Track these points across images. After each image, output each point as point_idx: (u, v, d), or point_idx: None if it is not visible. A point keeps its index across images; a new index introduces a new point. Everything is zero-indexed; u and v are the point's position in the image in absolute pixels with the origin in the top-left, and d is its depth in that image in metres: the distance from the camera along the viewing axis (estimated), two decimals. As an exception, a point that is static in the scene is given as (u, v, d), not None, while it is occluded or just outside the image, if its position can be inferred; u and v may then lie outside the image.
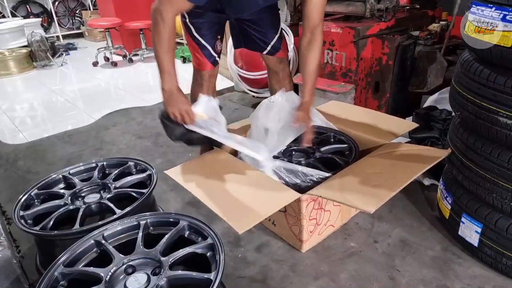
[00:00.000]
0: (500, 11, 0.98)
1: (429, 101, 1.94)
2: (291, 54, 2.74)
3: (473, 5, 1.10)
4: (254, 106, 2.99)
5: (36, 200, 1.50)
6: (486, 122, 1.12)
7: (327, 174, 1.39)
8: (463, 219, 1.32)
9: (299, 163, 1.51)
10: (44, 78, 4.37)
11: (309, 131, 1.50)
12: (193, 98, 1.91)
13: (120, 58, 4.90)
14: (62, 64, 4.87)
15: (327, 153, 1.58)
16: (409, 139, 1.94)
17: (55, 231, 1.29)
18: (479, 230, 1.26)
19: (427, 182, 1.75)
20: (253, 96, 3.15)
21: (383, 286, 1.26)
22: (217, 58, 1.72)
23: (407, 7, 2.45)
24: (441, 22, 2.44)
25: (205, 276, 1.05)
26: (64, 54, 5.10)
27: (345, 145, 1.62)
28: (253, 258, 1.42)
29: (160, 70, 1.47)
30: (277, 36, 1.73)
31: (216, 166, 1.52)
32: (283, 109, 1.60)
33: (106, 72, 4.52)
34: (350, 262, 1.37)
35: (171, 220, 1.26)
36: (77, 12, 6.87)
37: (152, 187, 1.48)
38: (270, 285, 1.30)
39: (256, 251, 1.46)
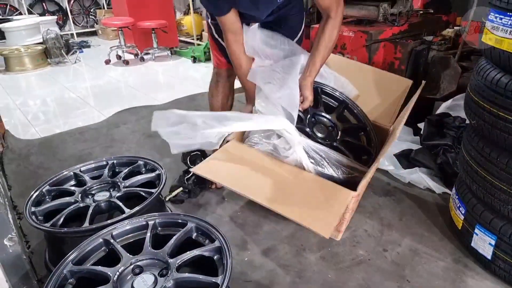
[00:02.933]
0: (520, 19, 0.96)
1: (443, 107, 1.91)
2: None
3: (491, 13, 1.07)
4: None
5: (47, 197, 1.51)
6: (503, 132, 1.09)
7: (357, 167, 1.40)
8: (476, 231, 1.29)
9: (323, 142, 1.49)
10: (57, 74, 4.42)
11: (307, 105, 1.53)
12: (209, 97, 1.95)
13: (132, 56, 4.94)
14: (75, 62, 4.93)
15: (344, 137, 1.57)
16: (420, 146, 1.91)
17: (65, 228, 1.30)
18: (493, 242, 1.23)
19: (438, 190, 1.73)
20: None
21: (392, 296, 1.25)
22: None
23: (421, 12, 2.41)
24: (455, 28, 2.40)
25: (213, 280, 1.05)
26: (77, 52, 5.16)
27: (361, 124, 1.65)
28: (260, 262, 1.41)
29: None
30: (297, 37, 1.74)
31: (246, 160, 1.44)
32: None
33: (118, 70, 4.56)
34: (358, 270, 1.36)
35: (180, 221, 1.26)
36: (91, 10, 6.96)
37: (161, 187, 1.48)
38: (277, 289, 1.29)
39: (263, 255, 1.45)
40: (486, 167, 1.20)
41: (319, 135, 1.55)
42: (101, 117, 2.98)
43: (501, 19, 1.02)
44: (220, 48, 1.75)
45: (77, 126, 2.78)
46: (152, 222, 1.27)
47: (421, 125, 2.07)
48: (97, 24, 6.81)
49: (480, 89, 1.18)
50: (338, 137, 1.56)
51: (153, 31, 4.75)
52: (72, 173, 1.62)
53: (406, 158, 1.84)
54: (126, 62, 4.70)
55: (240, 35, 1.58)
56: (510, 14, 0.99)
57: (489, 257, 1.27)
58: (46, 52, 4.79)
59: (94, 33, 6.89)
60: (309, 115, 1.57)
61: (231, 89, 1.93)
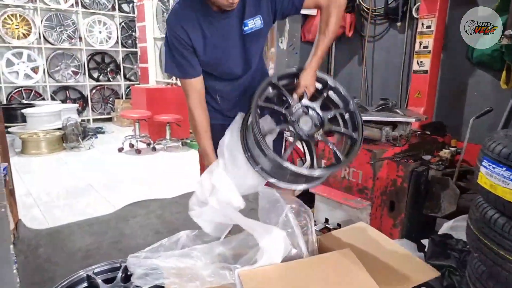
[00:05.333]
0: (511, 172, 1.12)
1: (445, 227, 2.01)
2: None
3: (485, 160, 1.25)
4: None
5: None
6: (503, 270, 1.18)
7: None
8: None
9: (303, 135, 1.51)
10: (71, 160, 4.62)
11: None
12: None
13: (144, 145, 5.21)
14: (89, 148, 5.18)
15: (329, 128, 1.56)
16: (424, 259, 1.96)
17: None
18: None
19: (447, 314, 1.72)
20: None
21: None
22: None
23: (418, 132, 2.67)
24: (451, 149, 2.63)
25: None
26: (93, 138, 5.45)
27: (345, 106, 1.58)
28: None
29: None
30: None
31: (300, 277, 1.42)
32: None
33: (130, 158, 4.77)
34: None
35: None
36: (110, 99, 7.51)
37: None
38: None
39: None
40: (494, 300, 1.25)
41: (303, 127, 1.50)
42: (109, 208, 3.05)
43: (493, 168, 1.19)
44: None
45: (86, 218, 2.83)
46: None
47: (424, 241, 2.14)
48: (113, 111, 7.30)
49: (479, 225, 1.29)
50: (321, 132, 1.52)
51: (168, 124, 5.10)
52: (85, 275, 1.65)
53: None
54: (139, 151, 4.94)
55: (203, 96, 1.60)
56: (502, 165, 1.15)
57: None
58: (63, 137, 5.07)
59: (109, 119, 7.34)
60: (299, 105, 1.52)
61: None
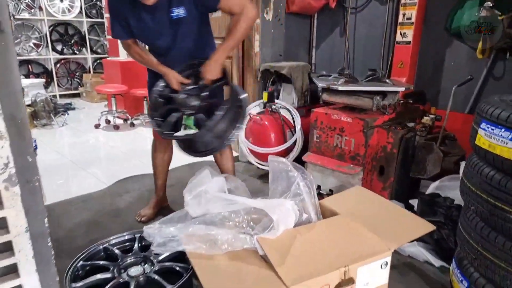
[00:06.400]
0: (509, 132, 1.26)
1: (431, 188, 2.20)
2: (297, 133, 3.02)
3: (483, 123, 1.38)
4: (261, 177, 3.18)
5: (81, 271, 1.54)
6: (499, 219, 1.35)
7: None
8: (480, 302, 1.48)
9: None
10: (46, 138, 4.42)
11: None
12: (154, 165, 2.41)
13: (121, 121, 5.07)
14: (63, 125, 4.97)
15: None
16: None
17: None
18: (497, 313, 1.41)
19: (437, 263, 1.93)
20: (257, 167, 3.35)
21: None
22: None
23: (401, 101, 2.83)
24: (431, 116, 2.82)
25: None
26: (65, 115, 5.22)
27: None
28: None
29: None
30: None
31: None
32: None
33: (109, 135, 4.65)
34: None
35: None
36: (77, 74, 7.14)
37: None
38: None
39: None
40: (486, 246, 1.43)
41: (192, 102, 1.93)
42: (100, 184, 3.01)
43: (492, 130, 1.33)
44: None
45: (77, 195, 2.78)
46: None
47: (412, 201, 2.34)
48: (81, 86, 6.96)
49: (476, 181, 1.45)
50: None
51: (145, 99, 4.97)
52: (101, 247, 1.67)
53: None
54: (117, 127, 4.81)
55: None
56: (501, 127, 1.29)
57: (494, 327, 1.44)
58: (33, 114, 4.81)
59: (77, 95, 7.00)
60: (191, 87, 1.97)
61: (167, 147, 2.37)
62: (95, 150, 4.02)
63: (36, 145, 2.15)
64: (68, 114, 5.53)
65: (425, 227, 1.68)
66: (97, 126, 4.85)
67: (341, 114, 2.48)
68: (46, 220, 1.26)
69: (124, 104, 5.18)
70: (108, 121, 4.99)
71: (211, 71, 1.88)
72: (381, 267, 1.59)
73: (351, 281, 1.51)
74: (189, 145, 2.02)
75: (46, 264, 1.16)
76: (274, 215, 1.54)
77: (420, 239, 2.02)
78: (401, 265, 1.95)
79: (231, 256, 1.50)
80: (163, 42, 1.96)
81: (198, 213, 1.67)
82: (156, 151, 2.39)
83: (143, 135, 4.70)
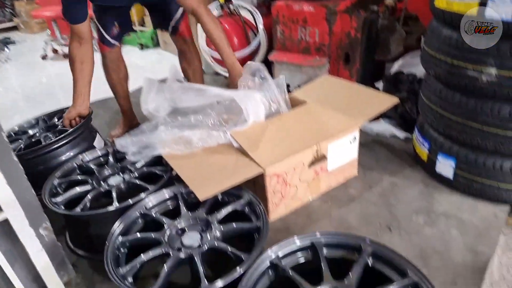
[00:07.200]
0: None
1: (395, 67, 2.25)
2: (261, 34, 2.90)
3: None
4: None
5: (58, 189, 1.54)
6: (457, 77, 1.41)
7: None
8: (439, 158, 1.63)
9: None
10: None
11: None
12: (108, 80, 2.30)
13: (71, 49, 4.67)
14: (6, 61, 4.54)
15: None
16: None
17: (114, 207, 1.35)
18: (453, 164, 1.57)
19: (401, 135, 2.06)
20: (225, 77, 3.28)
21: (385, 219, 1.54)
22: (113, 41, 2.11)
23: (363, -15, 2.72)
24: (393, -3, 2.75)
25: (255, 224, 1.23)
26: (6, 50, 4.74)
27: None
28: (272, 216, 1.62)
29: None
30: (175, 17, 2.07)
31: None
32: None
33: (59, 64, 4.33)
34: (354, 205, 1.64)
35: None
36: (6, 3, 6.30)
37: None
38: (293, 231, 1.51)
39: (273, 208, 1.66)
40: (444, 106, 1.52)
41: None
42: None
43: (450, -13, 1.31)
44: (99, 31, 2.11)
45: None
46: (179, 192, 1.40)
47: (377, 84, 2.40)
48: (16, 17, 6.21)
49: (435, 45, 1.48)
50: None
51: (92, 20, 4.52)
52: (75, 164, 1.66)
53: (371, 113, 2.15)
54: (66, 56, 4.44)
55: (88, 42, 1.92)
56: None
57: (451, 177, 1.62)
58: (-31, 53, 4.34)
59: (14, 28, 6.29)
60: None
61: (125, 75, 2.31)
62: (49, 82, 3.77)
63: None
64: (9, 49, 5.04)
65: (389, 100, 1.76)
66: (44, 57, 4.47)
67: (302, 4, 2.37)
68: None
69: (68, 29, 4.71)
70: (55, 51, 4.59)
71: (236, 71, 1.83)
72: (350, 142, 1.69)
73: (323, 157, 1.61)
74: None
75: (17, 179, 1.15)
76: (243, 104, 1.55)
77: (385, 116, 2.13)
78: (369, 142, 2.08)
79: (207, 152, 1.55)
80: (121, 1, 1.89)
81: (166, 108, 1.66)
82: (109, 71, 2.25)
83: (97, 59, 4.38)
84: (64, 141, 1.72)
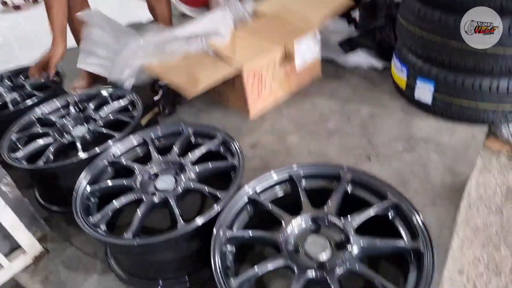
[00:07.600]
0: None
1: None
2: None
3: None
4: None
5: (17, 143, 1.43)
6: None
7: None
8: (418, 83, 1.58)
9: None
10: None
11: None
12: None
13: (21, 0, 4.25)
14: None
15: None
16: (355, 30, 2.13)
17: (79, 157, 1.27)
18: (432, 87, 1.53)
19: (380, 65, 1.99)
20: (192, 17, 3.06)
21: (365, 150, 1.52)
22: None
23: None
24: None
25: (231, 162, 1.17)
26: None
27: None
28: (251, 152, 1.57)
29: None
30: None
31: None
32: None
33: (12, 18, 3.94)
34: (333, 138, 1.60)
35: (178, 129, 1.33)
36: None
37: (139, 108, 1.49)
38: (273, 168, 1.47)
39: (251, 147, 1.61)
40: (423, 25, 1.44)
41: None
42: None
43: None
44: None
45: None
46: (148, 136, 1.32)
47: (353, 13, 2.26)
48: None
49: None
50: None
51: (40, -35, 4.07)
52: (33, 117, 1.54)
53: (348, 44, 2.05)
54: (17, 7, 4.06)
55: None
56: None
57: (430, 102, 1.58)
58: None
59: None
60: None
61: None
62: (4, 38, 3.44)
63: None
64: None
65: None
66: (-7, 11, 4.06)
67: None
68: None
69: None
70: (4, 3, 4.16)
71: None
72: (312, 42, 1.86)
73: (291, 56, 1.79)
74: None
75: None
76: (214, 23, 1.70)
77: (363, 46, 2.03)
78: (347, 75, 2.00)
79: (186, 59, 1.68)
80: None
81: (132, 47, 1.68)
82: (72, 13, 1.96)
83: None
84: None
